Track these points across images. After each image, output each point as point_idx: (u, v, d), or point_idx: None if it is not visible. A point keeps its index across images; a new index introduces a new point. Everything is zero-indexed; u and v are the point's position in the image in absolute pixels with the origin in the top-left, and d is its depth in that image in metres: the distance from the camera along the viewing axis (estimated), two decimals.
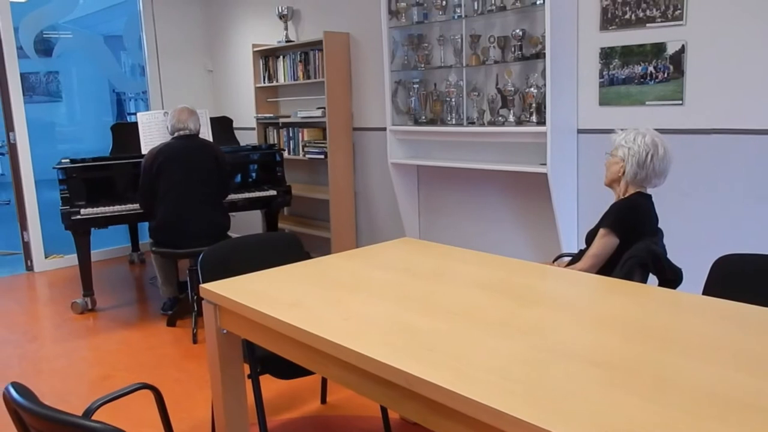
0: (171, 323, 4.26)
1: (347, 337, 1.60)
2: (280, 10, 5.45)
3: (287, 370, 2.34)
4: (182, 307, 4.32)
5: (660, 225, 2.57)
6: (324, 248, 5.21)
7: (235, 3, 6.21)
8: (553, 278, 2.15)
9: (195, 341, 3.94)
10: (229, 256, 2.58)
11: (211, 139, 4.68)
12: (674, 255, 2.49)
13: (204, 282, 2.20)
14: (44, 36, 8.13)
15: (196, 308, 4.02)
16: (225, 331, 2.11)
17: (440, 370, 1.40)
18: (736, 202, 3.12)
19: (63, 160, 4.44)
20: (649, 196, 2.55)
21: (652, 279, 2.44)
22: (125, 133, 4.87)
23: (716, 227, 3.21)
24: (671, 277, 2.41)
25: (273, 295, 1.99)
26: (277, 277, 2.22)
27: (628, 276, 2.31)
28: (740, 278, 2.14)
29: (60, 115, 10.40)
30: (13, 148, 5.67)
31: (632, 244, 2.41)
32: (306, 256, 2.63)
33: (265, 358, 2.33)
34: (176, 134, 4.12)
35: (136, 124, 4.72)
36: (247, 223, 6.16)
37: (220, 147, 4.39)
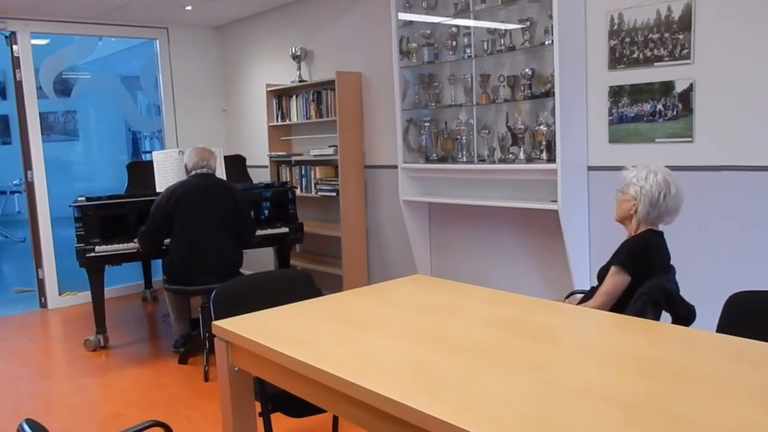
0: (183, 361, 4.26)
1: (359, 375, 1.60)
2: (293, 51, 5.56)
3: (299, 408, 2.33)
4: (194, 344, 4.33)
5: (672, 262, 2.56)
6: (335, 285, 5.21)
7: (249, 44, 6.34)
8: (565, 315, 2.14)
9: (206, 379, 3.93)
10: (241, 294, 2.59)
11: (224, 177, 4.74)
12: (687, 292, 2.47)
13: (216, 319, 2.22)
14: (63, 77, 8.32)
15: (208, 345, 4.02)
16: (236, 369, 2.11)
17: (452, 407, 1.39)
18: (748, 238, 3.11)
19: (79, 198, 4.50)
20: (661, 233, 2.55)
21: (665, 317, 2.43)
22: (140, 171, 4.93)
23: (729, 264, 3.19)
24: (684, 315, 2.39)
25: (285, 333, 2.00)
26: (289, 314, 2.23)
27: (640, 313, 2.30)
28: (754, 315, 2.13)
29: (77, 153, 10.57)
30: (30, 187, 5.76)
31: (644, 281, 2.41)
32: (318, 293, 2.64)
33: (277, 395, 2.33)
34: (194, 172, 4.18)
35: (151, 162, 4.79)
36: (259, 261, 6.18)
37: (235, 185, 4.44)
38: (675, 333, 1.90)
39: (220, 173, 4.79)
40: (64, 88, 8.59)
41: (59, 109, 9.88)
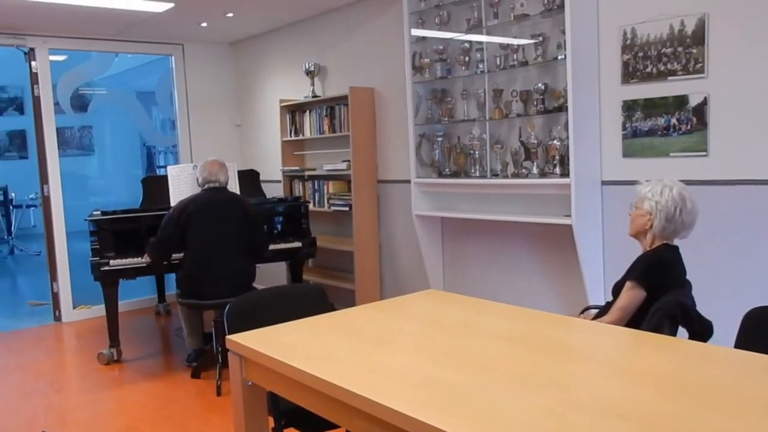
0: (195, 375, 4.26)
1: (373, 390, 1.59)
2: (307, 67, 5.60)
3: (312, 423, 2.32)
4: (207, 358, 4.33)
5: (688, 277, 2.54)
6: (348, 300, 5.21)
7: (263, 60, 6.40)
8: (580, 331, 2.13)
9: (219, 393, 3.93)
10: (254, 308, 2.59)
11: (238, 192, 4.76)
12: (704, 308, 2.45)
13: (229, 333, 2.22)
14: (80, 92, 8.43)
15: (220, 360, 4.02)
16: (250, 383, 2.11)
17: (468, 423, 1.38)
18: (765, 252, 3.08)
19: (94, 212, 4.53)
20: (676, 248, 2.53)
21: (682, 332, 2.40)
22: (155, 185, 4.97)
23: (746, 279, 3.16)
24: (701, 330, 2.37)
25: (298, 347, 2.00)
26: (303, 328, 2.23)
27: (656, 329, 2.27)
28: None
29: (92, 168, 10.68)
30: (46, 201, 5.81)
31: (660, 296, 2.39)
32: (331, 307, 2.64)
33: (290, 411, 2.32)
34: (206, 186, 4.20)
35: (165, 177, 4.82)
36: (271, 275, 6.19)
37: (247, 198, 4.45)
38: (692, 349, 1.88)
39: (234, 188, 4.81)
40: (80, 103, 8.72)
41: (76, 124, 10.01)
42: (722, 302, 3.16)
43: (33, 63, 5.69)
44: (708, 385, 1.57)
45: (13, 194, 10.21)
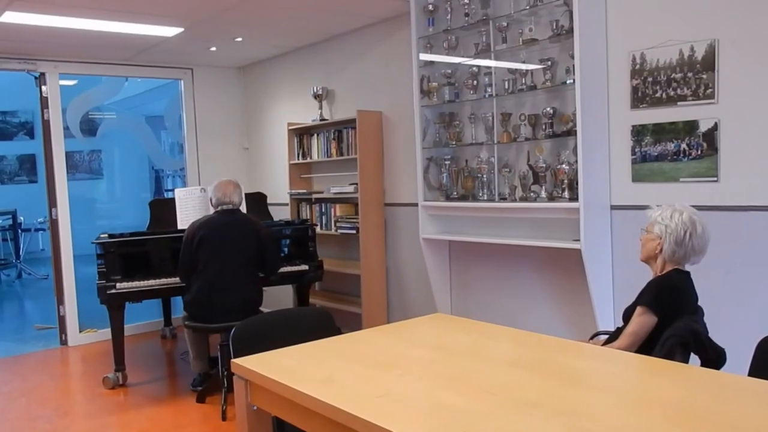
0: (201, 399, 4.22)
1: (380, 416, 1.57)
2: (315, 90, 5.63)
3: None
4: (212, 383, 4.29)
5: (700, 303, 2.51)
6: (355, 324, 5.17)
7: (271, 84, 6.44)
8: (590, 357, 2.10)
9: (224, 418, 3.88)
10: (260, 331, 2.57)
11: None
12: (716, 335, 2.41)
13: (235, 357, 2.19)
14: (89, 116, 8.50)
15: (226, 384, 3.98)
16: (255, 408, 2.08)
17: None
18: None
19: (101, 235, 4.54)
20: (688, 273, 2.50)
21: (694, 359, 2.36)
22: (162, 208, 4.98)
23: (759, 306, 3.11)
24: (714, 357, 2.33)
25: (304, 371, 1.97)
26: (309, 352, 2.20)
27: (668, 355, 2.24)
28: None
29: (101, 191, 10.73)
30: (54, 224, 5.83)
31: (671, 322, 2.35)
32: (337, 331, 2.61)
33: None
34: (219, 208, 4.19)
35: (172, 199, 4.83)
36: (277, 298, 6.16)
37: (260, 221, 4.44)
38: (705, 376, 1.84)
39: (243, 210, 4.80)
40: (89, 127, 8.78)
41: (85, 148, 10.08)
42: (735, 329, 3.12)
43: (43, 87, 5.74)
44: (721, 413, 1.53)
45: (21, 218, 10.25)
